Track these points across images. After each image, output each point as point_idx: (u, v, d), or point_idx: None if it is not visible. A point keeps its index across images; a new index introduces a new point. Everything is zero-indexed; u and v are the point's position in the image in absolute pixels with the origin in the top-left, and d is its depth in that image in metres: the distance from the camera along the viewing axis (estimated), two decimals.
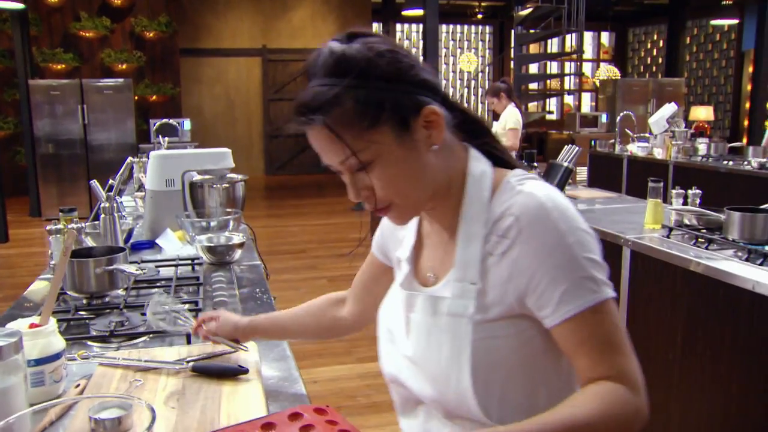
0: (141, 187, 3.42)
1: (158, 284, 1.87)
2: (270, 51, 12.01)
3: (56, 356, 1.18)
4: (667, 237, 2.58)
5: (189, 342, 1.46)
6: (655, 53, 13.57)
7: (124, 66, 9.97)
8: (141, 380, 1.20)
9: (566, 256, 0.87)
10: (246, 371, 1.23)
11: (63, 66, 9.74)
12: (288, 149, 12.73)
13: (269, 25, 11.93)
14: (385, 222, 1.15)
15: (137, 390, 1.18)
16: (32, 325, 1.17)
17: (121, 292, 1.75)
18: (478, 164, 0.98)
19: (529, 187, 0.93)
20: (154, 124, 5.68)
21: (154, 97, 10.08)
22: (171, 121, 5.86)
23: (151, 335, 1.49)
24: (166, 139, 4.58)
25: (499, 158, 1.02)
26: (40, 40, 9.70)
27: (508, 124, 5.34)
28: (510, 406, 0.93)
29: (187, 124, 8.61)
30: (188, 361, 1.27)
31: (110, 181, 2.51)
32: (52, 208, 8.43)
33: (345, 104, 0.86)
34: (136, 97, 9.08)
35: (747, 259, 2.21)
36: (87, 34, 9.86)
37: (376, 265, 1.21)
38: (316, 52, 0.91)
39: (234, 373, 1.23)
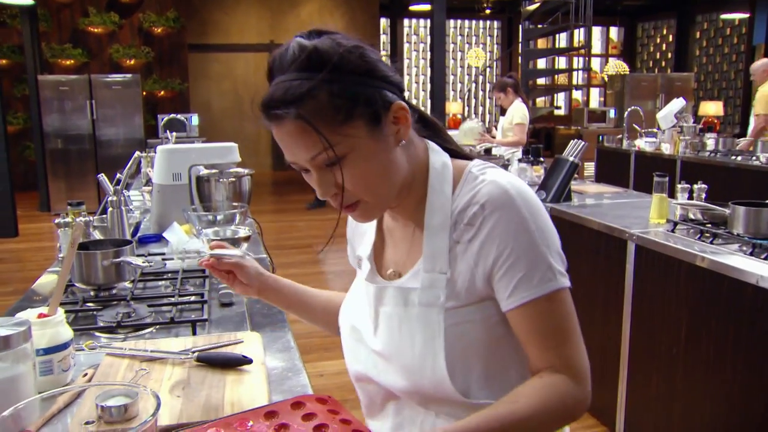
0: (149, 181, 3.44)
1: (165, 276, 1.90)
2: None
3: (64, 346, 1.21)
4: (672, 231, 2.58)
5: (194, 333, 1.48)
6: (664, 48, 13.49)
7: (132, 61, 10.02)
8: (147, 369, 1.22)
9: (527, 242, 0.90)
10: (250, 361, 1.25)
11: (72, 61, 9.79)
12: None
13: (277, 20, 11.94)
14: (349, 230, 1.18)
15: (143, 379, 1.20)
16: (41, 315, 1.20)
17: (127, 284, 1.77)
18: (439, 157, 1.00)
19: (492, 175, 0.95)
20: (162, 120, 5.71)
21: (162, 93, 10.13)
22: (179, 116, 5.89)
23: (157, 327, 1.51)
24: (174, 134, 4.61)
25: (454, 152, 1.04)
26: (49, 36, 9.76)
27: (514, 119, 5.34)
28: (485, 385, 0.96)
29: (195, 120, 8.65)
30: (193, 352, 1.29)
31: (118, 175, 2.54)
32: (61, 202, 8.49)
33: (319, 98, 0.86)
34: (144, 93, 9.13)
35: (752, 254, 2.21)
36: (95, 30, 9.91)
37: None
38: (281, 48, 0.91)
39: (238, 363, 1.25)
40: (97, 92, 8.42)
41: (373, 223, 1.10)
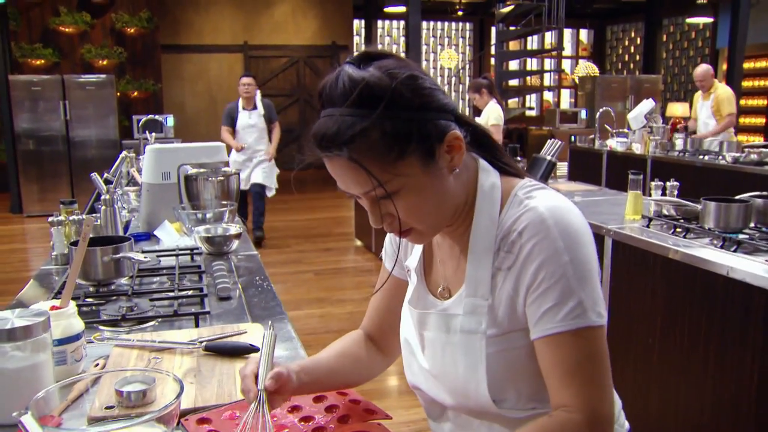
0: (131, 181, 3.46)
1: (161, 272, 1.93)
2: (252, 47, 12.01)
3: (76, 337, 1.25)
4: (647, 227, 2.69)
5: (197, 325, 1.52)
6: (632, 50, 13.78)
7: (104, 62, 9.91)
8: (160, 358, 1.27)
9: (558, 273, 0.87)
10: (257, 350, 1.30)
11: (42, 61, 9.65)
12: None
13: (251, 21, 11.92)
14: (389, 234, 1.12)
15: (155, 367, 1.24)
16: (53, 308, 1.23)
17: (124, 280, 1.81)
18: (488, 177, 0.98)
19: (536, 200, 0.92)
20: (140, 121, 5.71)
21: (135, 94, 10.04)
22: (157, 117, 5.91)
23: (159, 320, 1.55)
24: (153, 134, 4.62)
25: (505, 168, 1.01)
26: (19, 35, 9.61)
27: (490, 119, 5.44)
28: (531, 402, 0.96)
29: (171, 121, 8.61)
30: (201, 342, 1.34)
31: (105, 175, 2.56)
32: (34, 204, 8.38)
33: (371, 137, 0.84)
34: (117, 94, 9.04)
35: (722, 247, 2.33)
36: (67, 30, 9.78)
37: (391, 281, 1.16)
38: (331, 77, 0.89)
39: (246, 352, 1.30)
40: (71, 93, 8.33)
41: None
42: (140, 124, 5.11)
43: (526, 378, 0.95)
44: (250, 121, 6.39)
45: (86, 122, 8.40)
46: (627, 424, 1.11)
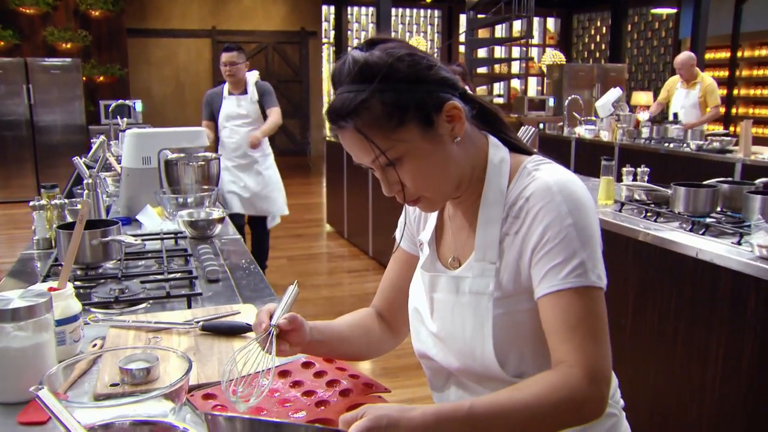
0: (106, 166, 3.42)
1: (147, 256, 1.94)
2: (220, 32, 11.85)
3: (74, 318, 1.26)
4: (619, 211, 2.77)
5: (190, 307, 1.54)
6: (598, 39, 13.98)
7: (68, 45, 9.67)
8: (159, 337, 1.29)
9: (562, 235, 0.93)
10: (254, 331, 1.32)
11: (2, 43, 9.39)
12: None
13: (219, 5, 11.77)
14: (404, 212, 1.21)
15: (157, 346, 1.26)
16: (51, 289, 1.24)
17: (111, 264, 1.81)
18: (498, 152, 1.04)
19: (542, 172, 0.99)
20: (109, 106, 5.61)
21: (101, 78, 9.83)
22: (126, 102, 5.81)
23: (151, 302, 1.57)
24: (125, 120, 4.57)
25: (514, 145, 1.08)
26: None
27: None
28: (533, 366, 1.00)
29: (139, 106, 8.48)
30: (197, 322, 1.36)
31: (83, 159, 2.53)
32: None
33: (373, 107, 0.93)
34: (83, 78, 8.86)
35: (691, 230, 2.42)
36: (27, 11, 9.51)
37: (403, 259, 1.22)
38: (340, 62, 0.98)
39: (242, 331, 1.33)
40: (35, 76, 8.14)
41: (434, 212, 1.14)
42: (110, 109, 5.03)
43: (529, 341, 1.00)
44: (239, 110, 4.52)
45: (51, 107, 8.23)
46: (622, 402, 1.16)
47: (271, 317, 1.03)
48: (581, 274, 0.93)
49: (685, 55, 6.27)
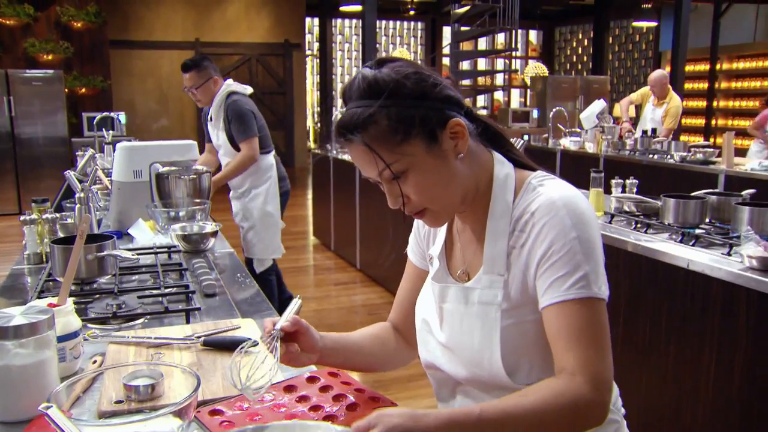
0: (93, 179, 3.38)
1: (141, 270, 1.92)
2: (204, 44, 11.83)
3: (74, 334, 1.24)
4: (609, 223, 2.80)
5: (188, 322, 1.53)
6: (580, 51, 14.17)
7: (50, 56, 9.59)
8: (162, 353, 1.28)
9: (566, 247, 0.97)
10: (256, 343, 1.31)
11: None
12: None
13: (203, 17, 11.75)
14: (414, 228, 1.25)
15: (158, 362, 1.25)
16: (50, 305, 1.23)
17: (106, 279, 1.79)
18: (503, 168, 1.08)
19: (547, 188, 1.03)
20: (93, 119, 5.56)
21: (83, 90, 9.76)
22: (111, 114, 5.77)
23: (149, 317, 1.55)
24: (111, 132, 4.53)
25: (518, 161, 1.11)
26: None
27: None
28: (540, 375, 1.03)
29: (123, 118, 8.42)
30: (198, 337, 1.35)
31: (72, 173, 2.51)
32: None
33: (379, 122, 0.97)
34: (66, 90, 8.78)
35: (681, 241, 2.45)
36: (8, 22, 9.42)
37: (415, 274, 1.25)
38: (350, 79, 1.03)
39: (253, 344, 1.31)
40: (15, 88, 8.05)
41: (445, 225, 1.17)
42: (95, 121, 4.98)
43: (536, 351, 1.03)
44: (214, 139, 3.81)
45: (33, 119, 8.14)
46: (623, 410, 1.19)
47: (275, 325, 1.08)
48: (584, 286, 0.96)
49: (658, 73, 6.36)
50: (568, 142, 6.36)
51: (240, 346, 1.05)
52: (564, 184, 1.05)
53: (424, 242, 1.22)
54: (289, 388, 1.15)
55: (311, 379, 1.18)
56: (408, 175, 1.00)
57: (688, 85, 10.90)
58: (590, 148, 6.08)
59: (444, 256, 1.16)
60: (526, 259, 1.01)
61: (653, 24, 11.60)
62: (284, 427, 0.94)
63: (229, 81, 3.73)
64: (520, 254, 1.02)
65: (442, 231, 1.18)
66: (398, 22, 14.44)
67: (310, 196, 6.90)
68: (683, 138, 9.00)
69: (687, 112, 11.10)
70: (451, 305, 1.10)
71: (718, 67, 10.76)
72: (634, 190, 3.04)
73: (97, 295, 1.67)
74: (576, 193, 1.02)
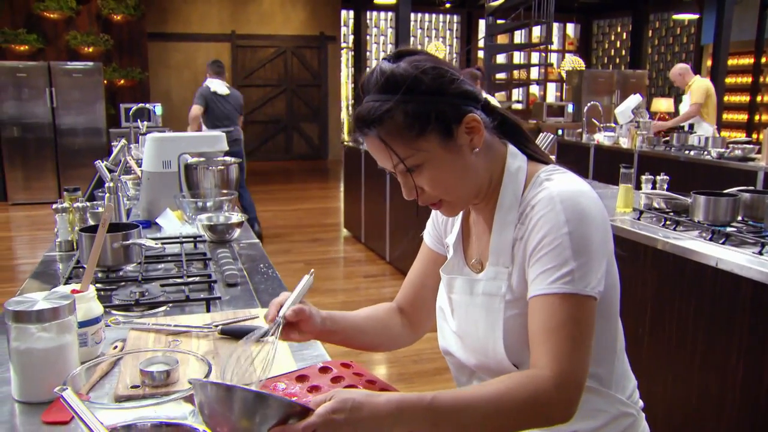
0: (126, 169, 3.46)
1: (166, 259, 1.96)
2: (239, 36, 11.95)
3: (96, 320, 1.28)
4: (638, 219, 2.76)
5: (209, 310, 1.56)
6: (618, 45, 13.90)
7: (90, 49, 9.81)
8: (179, 340, 1.30)
9: (557, 242, 0.96)
10: (266, 333, 1.34)
11: (26, 47, 9.54)
12: (257, 135, 12.70)
13: (238, 10, 11.86)
14: (433, 213, 1.26)
15: (176, 349, 1.28)
16: (73, 291, 1.26)
17: (131, 267, 1.83)
18: (515, 161, 1.08)
19: (552, 182, 1.03)
20: (129, 110, 5.68)
21: (122, 82, 9.96)
22: (147, 105, 5.92)
23: (171, 305, 1.59)
24: (145, 123, 4.62)
25: (532, 155, 1.11)
26: (1, 20, 9.49)
27: None
28: None
29: (159, 110, 8.57)
30: (216, 326, 1.38)
31: (104, 162, 2.57)
32: (19, 192, 8.32)
33: (395, 117, 0.98)
34: (105, 81, 8.97)
35: (711, 239, 2.40)
36: (51, 15, 9.67)
37: (430, 257, 1.26)
38: (369, 71, 1.04)
39: (261, 335, 1.34)
40: (57, 80, 8.26)
41: (460, 215, 1.18)
42: (131, 112, 5.10)
43: None
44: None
45: (73, 110, 8.35)
46: (641, 402, 1.19)
47: (280, 309, 1.09)
48: (570, 282, 0.95)
49: (675, 67, 6.53)
50: (602, 137, 6.26)
51: (246, 337, 1.07)
52: (571, 179, 1.04)
53: (442, 228, 1.24)
54: (301, 378, 1.16)
55: (324, 370, 1.20)
56: (423, 169, 1.02)
57: (730, 80, 10.62)
58: (624, 143, 5.97)
59: (460, 245, 1.18)
60: (523, 251, 1.03)
61: (695, 16, 11.32)
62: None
63: (211, 81, 6.03)
64: (520, 246, 1.04)
65: (458, 221, 1.19)
66: (434, 15, 14.36)
67: (342, 188, 6.93)
68: (724, 134, 8.80)
69: (729, 108, 10.83)
70: (457, 296, 1.13)
71: (763, 60, 10.45)
72: (665, 186, 2.98)
73: (122, 283, 1.71)
74: (581, 189, 1.01)
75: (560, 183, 1.02)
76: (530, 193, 1.05)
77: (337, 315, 1.17)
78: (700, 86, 6.28)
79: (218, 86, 5.97)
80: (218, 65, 6.25)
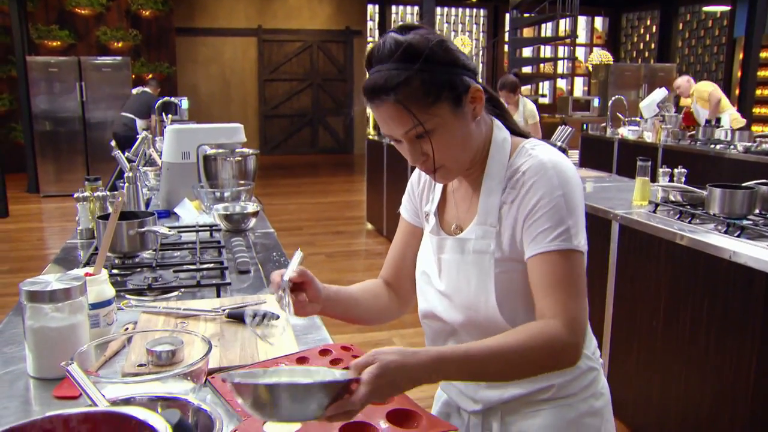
0: (148, 161, 3.54)
1: (182, 247, 2.01)
2: (265, 31, 12.05)
3: (108, 302, 1.33)
4: (654, 212, 2.74)
5: (219, 296, 1.61)
6: (647, 38, 13.69)
7: (119, 44, 10.00)
8: (186, 323, 1.35)
9: (552, 204, 1.06)
10: (277, 317, 1.38)
11: (58, 43, 9.77)
12: (282, 129, 12.81)
13: (265, 5, 11.96)
14: (408, 188, 1.33)
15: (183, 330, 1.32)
16: (87, 274, 1.32)
17: (147, 254, 1.89)
18: (501, 132, 1.18)
19: (539, 151, 1.12)
20: (155, 103, 5.81)
21: (150, 76, 10.12)
22: (172, 99, 5.99)
23: (182, 290, 1.64)
24: (170, 116, 4.70)
25: (514, 130, 1.20)
26: (35, 17, 9.71)
27: (528, 119, 5.18)
28: (530, 317, 1.10)
29: (185, 103, 8.69)
30: (223, 310, 1.42)
31: (126, 153, 2.63)
32: (50, 184, 8.52)
33: (413, 85, 1.03)
34: (133, 76, 9.13)
35: (726, 232, 2.38)
36: (82, 12, 9.88)
37: (408, 230, 1.33)
38: (378, 42, 1.08)
39: (266, 319, 1.38)
40: (87, 74, 8.43)
41: (440, 185, 1.26)
42: (156, 106, 5.19)
43: (525, 297, 1.11)
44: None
45: (102, 104, 8.51)
46: (601, 360, 1.26)
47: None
48: (566, 239, 1.05)
49: (681, 78, 6.85)
50: (626, 132, 6.20)
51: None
52: (554, 150, 1.14)
53: (419, 201, 1.30)
54: (301, 360, 1.20)
55: (323, 352, 1.24)
56: (434, 135, 1.07)
57: (762, 73, 10.41)
58: (649, 137, 5.91)
59: (437, 212, 1.25)
60: (515, 213, 1.10)
61: (726, 8, 11.11)
62: (291, 371, 0.98)
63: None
64: (510, 209, 1.11)
65: (438, 190, 1.26)
66: (460, 9, 14.30)
67: (366, 182, 6.97)
68: (755, 128, 8.62)
69: (759, 102, 10.61)
70: (448, 255, 1.19)
71: None
72: (682, 179, 2.96)
73: (138, 269, 1.77)
74: (563, 158, 1.12)
75: (547, 152, 1.12)
76: (516, 161, 1.13)
77: (335, 287, 1.22)
78: (698, 88, 6.59)
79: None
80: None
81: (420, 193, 1.31)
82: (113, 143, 5.02)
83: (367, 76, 1.09)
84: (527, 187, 1.09)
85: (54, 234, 6.90)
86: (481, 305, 1.12)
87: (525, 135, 1.21)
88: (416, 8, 13.36)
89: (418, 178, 1.31)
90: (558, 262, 1.05)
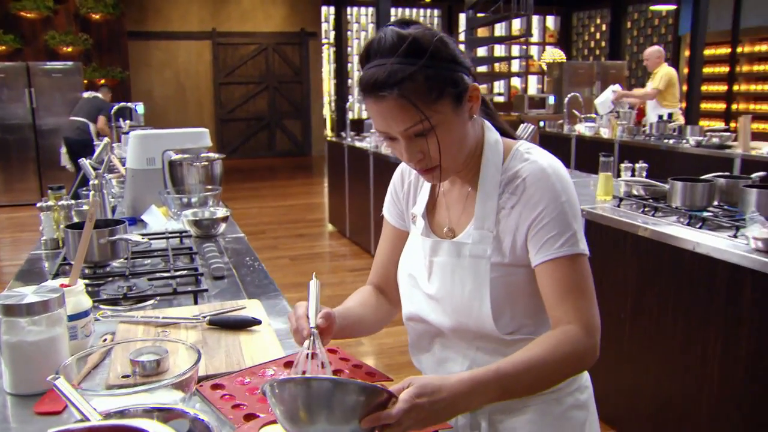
0: (110, 168, 3.46)
1: (153, 254, 1.98)
2: (220, 34, 11.91)
3: (85, 313, 1.29)
4: (618, 207, 2.81)
5: (196, 303, 1.58)
6: (598, 37, 14.00)
7: (69, 49, 9.73)
8: (168, 331, 1.33)
9: (558, 211, 1.07)
10: (259, 322, 1.37)
11: (3, 48, 9.44)
12: (240, 133, 12.68)
13: (219, 8, 11.81)
14: (391, 189, 1.31)
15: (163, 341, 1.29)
16: (62, 285, 1.28)
17: (118, 262, 1.84)
18: (492, 134, 1.17)
19: (535, 156, 1.12)
20: (110, 109, 5.68)
21: (102, 81, 9.89)
22: (128, 104, 5.88)
23: (158, 298, 1.61)
24: (128, 122, 4.61)
25: (503, 131, 1.20)
26: None
27: None
28: (521, 324, 1.12)
29: (141, 108, 8.52)
30: (204, 316, 1.40)
31: (88, 160, 2.57)
32: (0, 194, 8.24)
33: (418, 80, 1.00)
34: (85, 81, 8.91)
35: (688, 224, 2.45)
36: (28, 15, 9.57)
37: (394, 234, 1.32)
38: (377, 35, 1.05)
39: (249, 324, 1.37)
40: (36, 80, 8.19)
41: (427, 186, 1.24)
42: (112, 112, 5.08)
43: (519, 302, 1.12)
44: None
45: (53, 110, 8.28)
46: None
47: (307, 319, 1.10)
48: (573, 244, 1.06)
49: (650, 48, 6.81)
50: (583, 128, 6.33)
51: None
52: (548, 154, 1.14)
53: (403, 203, 1.29)
54: (289, 364, 1.19)
55: (311, 355, 1.22)
56: (435, 132, 1.04)
57: (708, 69, 10.74)
58: (605, 133, 6.04)
59: (426, 215, 1.23)
60: (516, 219, 1.09)
61: (672, 7, 11.43)
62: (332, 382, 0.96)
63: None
64: (510, 215, 1.10)
65: (425, 191, 1.24)
66: (414, 10, 14.37)
67: (326, 184, 6.94)
68: (702, 122, 8.91)
69: (706, 97, 10.95)
70: (442, 258, 1.16)
71: (739, 50, 10.58)
72: (644, 174, 3.04)
73: (110, 278, 1.73)
74: (559, 162, 1.13)
75: (544, 156, 1.12)
76: (512, 165, 1.12)
77: (343, 312, 1.20)
78: (664, 74, 6.55)
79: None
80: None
81: (405, 194, 1.28)
82: (63, 150, 4.94)
83: (362, 71, 1.05)
84: (530, 194, 1.08)
85: (6, 245, 6.68)
86: (474, 309, 1.11)
87: (512, 135, 1.21)
88: (371, 9, 13.38)
89: (401, 180, 1.29)
90: (568, 268, 1.06)
